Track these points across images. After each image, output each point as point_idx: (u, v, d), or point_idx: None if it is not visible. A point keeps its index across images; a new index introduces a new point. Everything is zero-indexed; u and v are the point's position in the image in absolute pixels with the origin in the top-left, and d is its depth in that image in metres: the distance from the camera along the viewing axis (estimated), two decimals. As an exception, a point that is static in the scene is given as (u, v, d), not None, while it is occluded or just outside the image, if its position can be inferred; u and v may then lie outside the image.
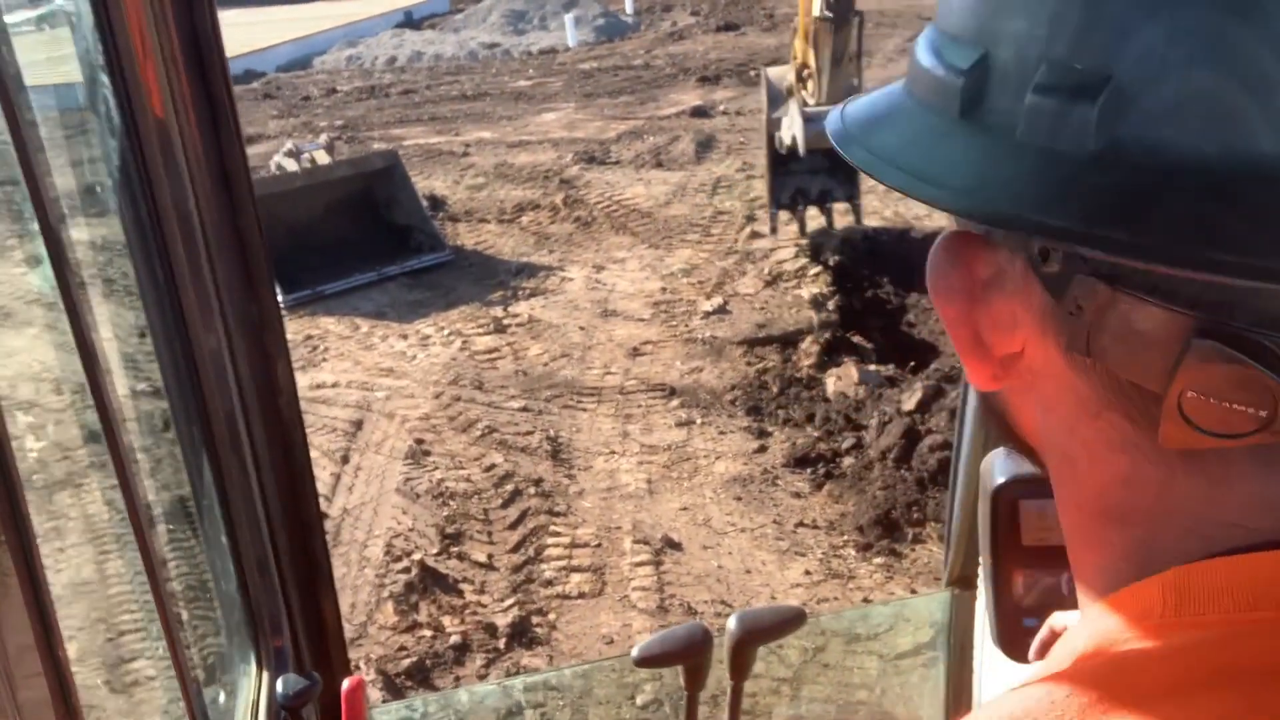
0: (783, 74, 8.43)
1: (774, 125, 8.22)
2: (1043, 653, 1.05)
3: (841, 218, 8.63)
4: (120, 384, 1.57)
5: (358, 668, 4.24)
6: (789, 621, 1.70)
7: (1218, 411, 0.49)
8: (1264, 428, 0.48)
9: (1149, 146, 0.47)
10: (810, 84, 7.93)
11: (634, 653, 1.67)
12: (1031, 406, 0.61)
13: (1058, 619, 1.04)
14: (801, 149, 7.78)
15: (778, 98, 8.29)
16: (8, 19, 1.06)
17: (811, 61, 7.84)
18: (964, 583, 2.01)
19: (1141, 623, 0.53)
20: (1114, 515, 0.57)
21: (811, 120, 7.65)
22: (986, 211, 0.52)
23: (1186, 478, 0.53)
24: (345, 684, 1.59)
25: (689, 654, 1.65)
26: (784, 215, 8.56)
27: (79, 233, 1.47)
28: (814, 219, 8.63)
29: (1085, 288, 0.51)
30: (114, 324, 1.60)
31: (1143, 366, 0.51)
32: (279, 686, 1.53)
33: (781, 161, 8.32)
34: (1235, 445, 0.50)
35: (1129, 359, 0.51)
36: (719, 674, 1.73)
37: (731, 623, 1.67)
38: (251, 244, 1.45)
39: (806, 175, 8.38)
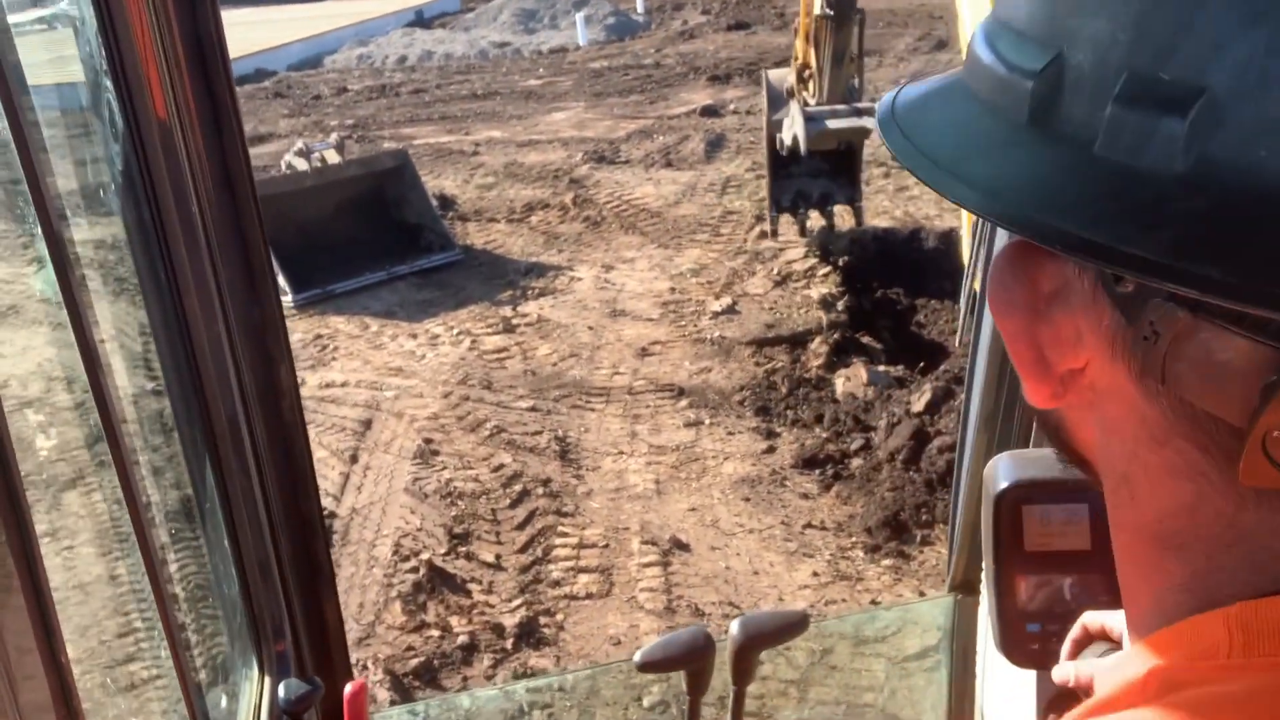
0: (783, 76, 8.42)
1: (775, 127, 8.20)
2: (1075, 651, 1.03)
3: (843, 220, 8.61)
4: (122, 385, 1.57)
5: (365, 668, 4.24)
6: (791, 626, 1.69)
7: None
8: None
9: (1245, 169, 0.43)
10: (811, 84, 7.91)
11: (636, 658, 1.66)
12: (1091, 426, 0.58)
13: (1091, 618, 1.02)
14: (803, 148, 7.75)
15: (778, 99, 8.27)
16: (11, 20, 1.06)
17: (813, 61, 7.82)
18: (967, 587, 2.00)
19: (1207, 661, 0.50)
20: (1173, 543, 0.54)
21: (813, 120, 7.62)
22: (1058, 234, 0.47)
23: (1256, 511, 0.50)
24: (347, 689, 1.59)
25: (691, 659, 1.65)
26: (784, 218, 8.54)
27: (81, 233, 1.47)
28: (816, 219, 8.60)
29: (1163, 312, 0.47)
30: (116, 325, 1.60)
31: (1223, 398, 0.47)
32: (281, 691, 1.52)
33: (782, 164, 8.30)
34: None
35: (1208, 389, 0.48)
36: (723, 678, 1.73)
37: (734, 628, 1.66)
38: (254, 245, 1.45)
39: (807, 178, 8.37)
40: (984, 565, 1.55)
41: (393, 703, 3.92)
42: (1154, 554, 0.56)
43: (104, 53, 1.27)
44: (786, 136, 8.01)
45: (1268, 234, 0.42)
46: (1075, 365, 0.55)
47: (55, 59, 1.44)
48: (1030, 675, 1.53)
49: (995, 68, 0.54)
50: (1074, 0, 0.49)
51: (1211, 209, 0.43)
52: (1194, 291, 0.44)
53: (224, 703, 1.63)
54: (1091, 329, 0.52)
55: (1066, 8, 0.50)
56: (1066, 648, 1.03)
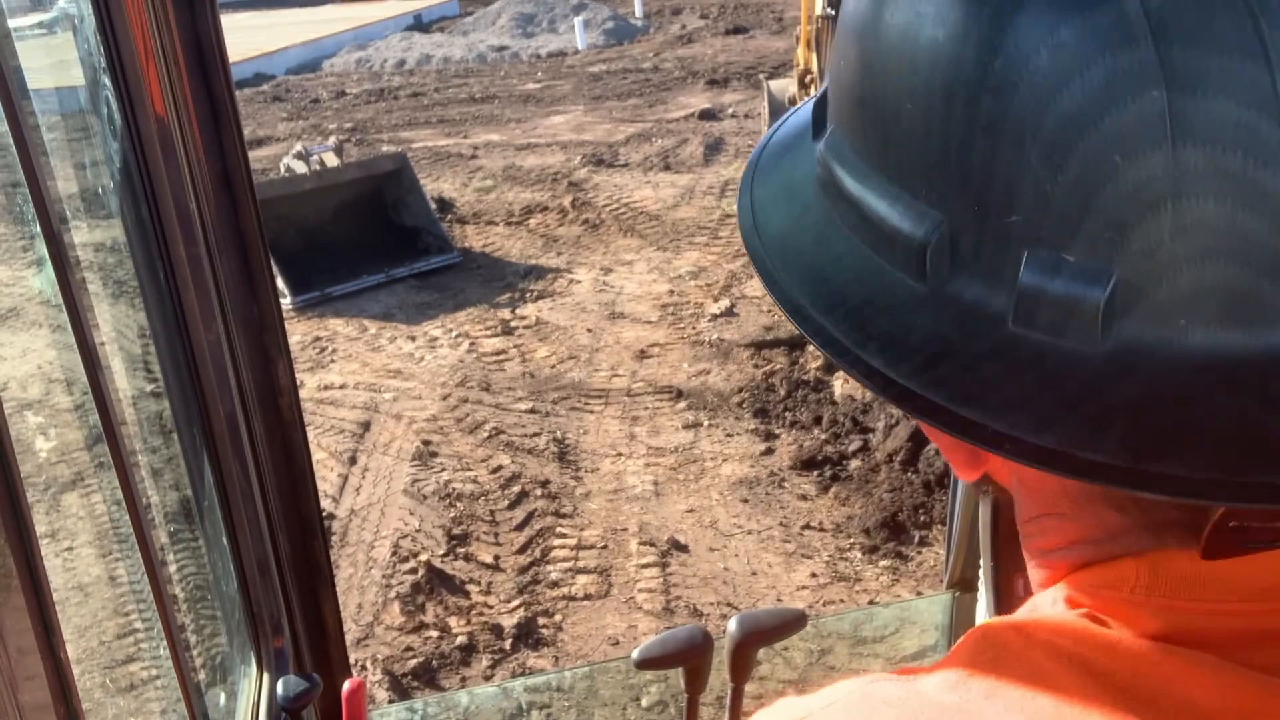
0: (784, 87, 8.45)
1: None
2: None
3: None
4: (121, 384, 1.58)
5: (364, 668, 4.24)
6: (789, 624, 1.69)
7: (1262, 531, 0.47)
8: None
9: (1167, 342, 0.43)
10: (813, 88, 7.94)
11: (635, 655, 1.66)
12: (1009, 477, 0.60)
13: None
14: None
15: (779, 109, 8.29)
16: (11, 23, 1.06)
17: (815, 66, 7.84)
18: (965, 585, 2.00)
19: (1111, 590, 0.53)
20: (1093, 555, 0.56)
21: None
22: (1029, 453, 0.45)
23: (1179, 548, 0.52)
24: (346, 686, 1.60)
25: (689, 656, 1.65)
26: None
27: (80, 233, 1.47)
28: None
29: None
30: (115, 324, 1.60)
31: None
32: (279, 688, 1.52)
33: None
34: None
35: None
36: (721, 676, 1.73)
37: (732, 625, 1.66)
38: (252, 244, 1.45)
39: None
40: (981, 563, 1.56)
41: (391, 702, 3.92)
42: (1071, 561, 0.58)
43: (103, 52, 1.27)
44: None
45: (1210, 413, 0.43)
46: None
47: (54, 61, 1.45)
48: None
49: (872, 211, 0.52)
50: (953, 165, 0.47)
51: (1150, 393, 0.44)
52: (1161, 497, 0.44)
53: (223, 700, 1.63)
54: None
55: (945, 171, 0.48)
56: None
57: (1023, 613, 0.58)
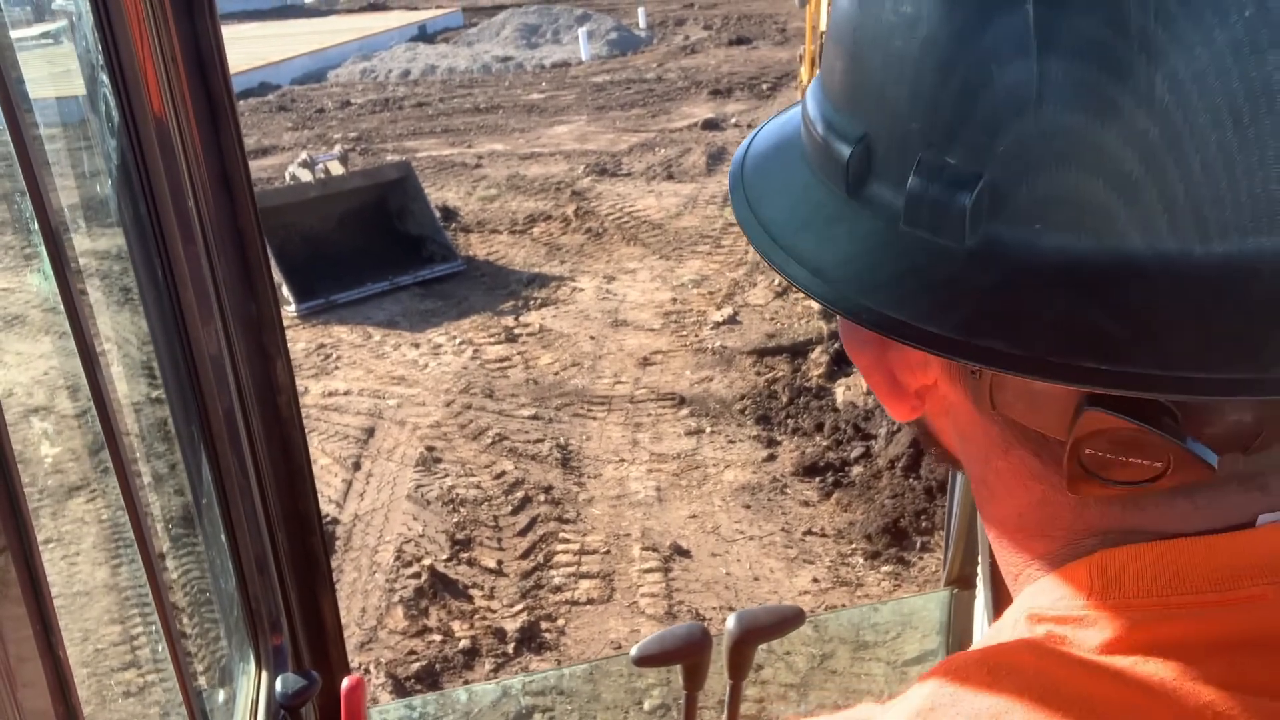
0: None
1: None
2: None
3: None
4: (120, 384, 1.59)
5: (367, 671, 4.24)
6: (788, 621, 1.69)
7: (1116, 465, 0.50)
8: (1161, 476, 0.50)
9: (1024, 243, 0.48)
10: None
11: (633, 652, 1.67)
12: (949, 432, 0.63)
13: None
14: None
15: None
16: (13, 35, 1.07)
17: None
18: (963, 582, 2.00)
19: (1068, 601, 0.54)
20: (1034, 531, 0.59)
21: None
22: (869, 315, 0.51)
23: (1099, 508, 0.55)
24: (345, 683, 1.60)
25: (688, 653, 1.65)
26: None
27: (79, 231, 1.48)
28: None
29: None
30: (114, 324, 1.61)
31: (1044, 418, 0.52)
32: (278, 685, 1.53)
33: None
34: (1139, 491, 0.51)
35: (1030, 411, 0.53)
36: (720, 674, 1.73)
37: (730, 622, 1.66)
38: (251, 244, 1.46)
39: None
40: (980, 560, 1.56)
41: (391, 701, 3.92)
42: (1020, 539, 0.60)
43: (101, 50, 1.28)
44: None
45: (1046, 305, 0.47)
46: (926, 382, 0.60)
47: (54, 64, 1.46)
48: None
49: (818, 135, 0.59)
50: (875, 82, 0.53)
51: (999, 284, 0.48)
52: (980, 365, 0.49)
53: (222, 697, 1.63)
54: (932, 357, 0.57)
55: (868, 89, 0.54)
56: None
57: (988, 636, 0.59)
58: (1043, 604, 0.55)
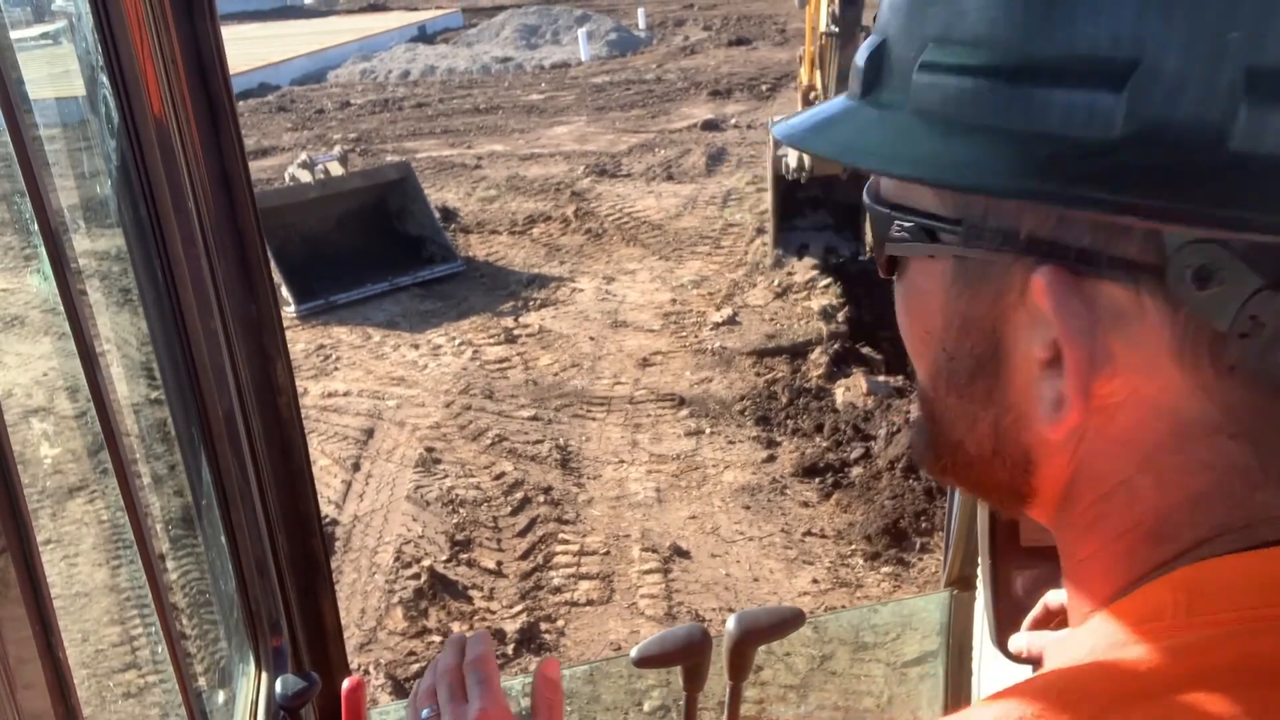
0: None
1: (777, 164, 8.14)
2: (1034, 628, 1.04)
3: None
4: (120, 385, 1.58)
5: (366, 672, 4.24)
6: (787, 622, 1.69)
7: None
8: None
9: (1181, 122, 0.45)
10: (817, 104, 7.95)
11: (633, 653, 1.66)
12: (1070, 450, 0.56)
13: (1052, 597, 1.02)
14: (807, 167, 7.77)
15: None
16: (13, 35, 1.07)
17: (818, 83, 7.86)
18: (963, 583, 2.00)
19: (1152, 623, 0.50)
20: (1168, 536, 0.53)
21: None
22: (1113, 205, 0.45)
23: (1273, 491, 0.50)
24: (345, 684, 1.60)
25: (688, 654, 1.65)
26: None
27: (79, 234, 1.48)
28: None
29: (1261, 303, 0.46)
30: (114, 325, 1.61)
31: None
32: (278, 687, 1.52)
33: (787, 215, 8.24)
34: None
35: None
36: (720, 675, 1.73)
37: (730, 623, 1.66)
38: (250, 243, 1.46)
39: (812, 231, 8.35)
40: (980, 560, 1.56)
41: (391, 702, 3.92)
42: (1142, 549, 0.54)
43: (100, 51, 1.28)
44: (792, 159, 8.01)
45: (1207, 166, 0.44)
46: (1106, 388, 0.52)
47: (54, 67, 1.46)
48: (1026, 670, 1.54)
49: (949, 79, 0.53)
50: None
51: (1177, 162, 0.44)
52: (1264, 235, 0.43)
53: (221, 698, 1.63)
54: (1135, 344, 0.50)
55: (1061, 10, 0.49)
56: (1026, 623, 1.04)
57: (1058, 659, 0.55)
58: (1112, 634, 0.52)
